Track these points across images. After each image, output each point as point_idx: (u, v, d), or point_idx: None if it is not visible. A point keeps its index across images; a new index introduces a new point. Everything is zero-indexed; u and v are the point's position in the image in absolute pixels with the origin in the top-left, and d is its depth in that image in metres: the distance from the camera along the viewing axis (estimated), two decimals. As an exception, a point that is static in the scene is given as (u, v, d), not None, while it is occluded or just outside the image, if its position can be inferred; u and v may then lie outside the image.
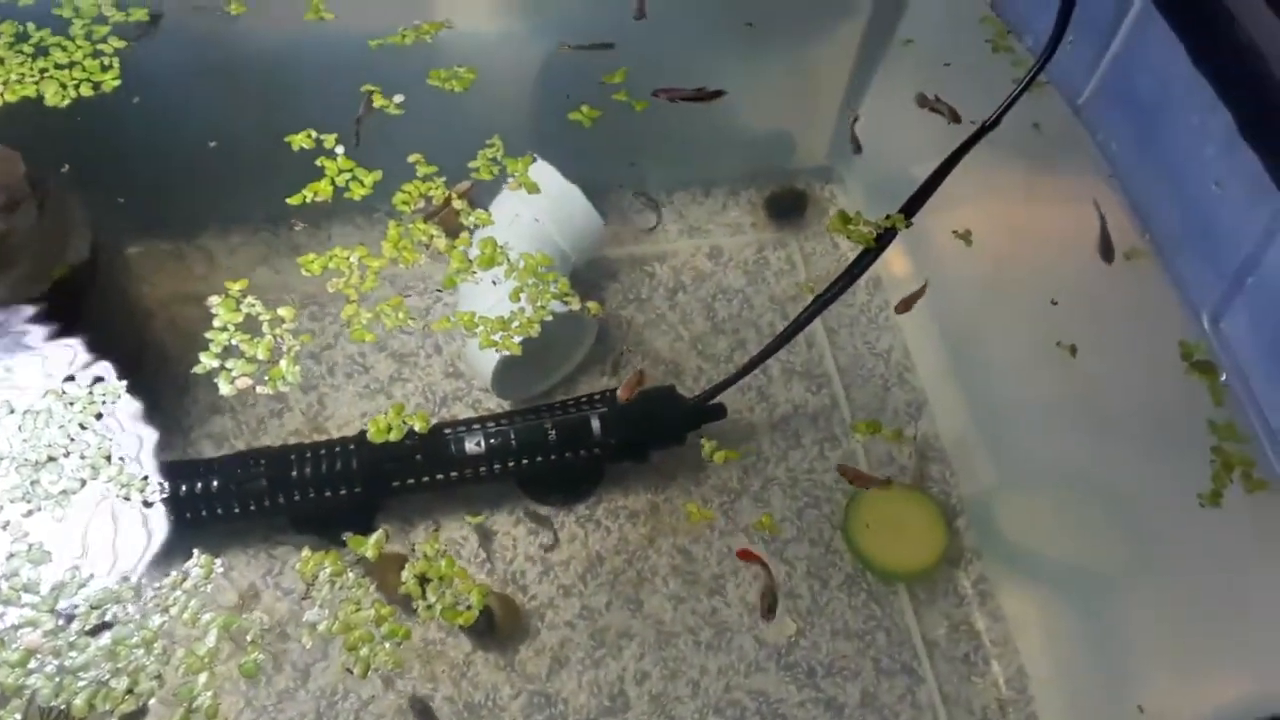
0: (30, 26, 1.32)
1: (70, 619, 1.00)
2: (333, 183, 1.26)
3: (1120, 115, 1.17)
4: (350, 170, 1.27)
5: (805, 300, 1.29)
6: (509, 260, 1.26)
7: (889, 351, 1.48)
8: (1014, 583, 1.30)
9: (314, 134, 1.30)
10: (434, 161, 1.29)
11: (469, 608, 1.11)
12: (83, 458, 1.08)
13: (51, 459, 1.07)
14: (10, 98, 1.26)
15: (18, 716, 0.95)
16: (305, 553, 1.11)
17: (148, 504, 1.09)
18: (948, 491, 1.36)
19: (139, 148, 1.37)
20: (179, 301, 1.34)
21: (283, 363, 1.17)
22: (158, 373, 1.26)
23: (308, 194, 1.26)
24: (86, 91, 1.29)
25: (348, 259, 1.23)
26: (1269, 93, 0.94)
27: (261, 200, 1.43)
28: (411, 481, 1.19)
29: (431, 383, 1.37)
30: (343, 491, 1.17)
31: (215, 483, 1.14)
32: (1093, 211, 1.18)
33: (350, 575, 1.11)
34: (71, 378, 1.12)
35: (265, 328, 1.19)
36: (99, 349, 1.16)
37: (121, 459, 1.09)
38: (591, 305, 1.26)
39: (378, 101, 1.33)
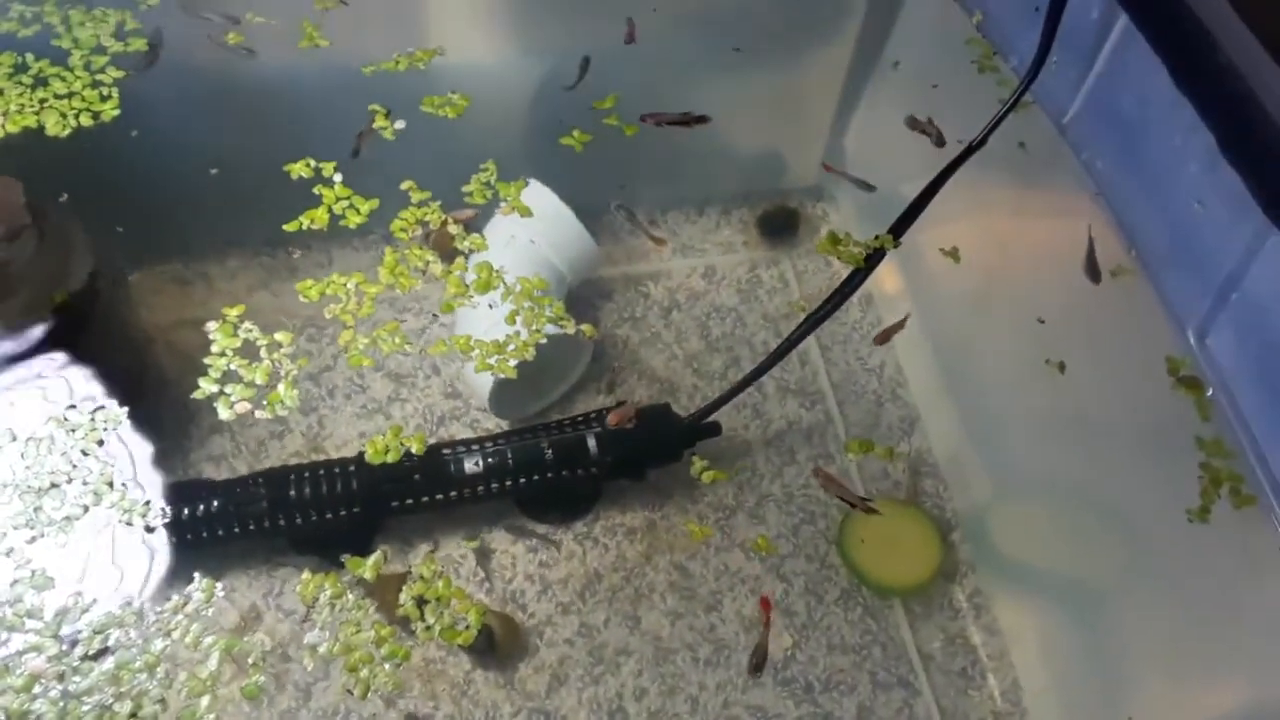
0: (29, 57, 1.34)
1: (74, 644, 1.01)
2: (329, 210, 1.28)
3: (1104, 134, 1.18)
4: (348, 198, 1.29)
5: (798, 318, 1.31)
6: (505, 284, 1.27)
7: (881, 368, 1.49)
8: (1009, 596, 1.31)
9: (312, 162, 1.31)
10: (428, 186, 1.31)
11: (467, 627, 1.12)
12: (85, 484, 1.09)
13: (54, 485, 1.09)
14: (11, 128, 1.28)
15: (22, 742, 0.96)
16: (306, 575, 1.12)
17: (150, 528, 1.10)
18: (942, 506, 1.37)
19: (138, 176, 1.39)
20: (179, 326, 1.35)
21: (280, 387, 1.18)
22: (158, 398, 1.27)
23: (304, 220, 1.27)
24: (86, 121, 1.30)
25: (345, 285, 1.25)
26: (1249, 113, 0.95)
27: (259, 225, 1.44)
28: (411, 501, 1.21)
29: (430, 403, 1.38)
30: (342, 512, 1.18)
31: (216, 505, 1.15)
32: (1079, 226, 1.19)
33: (350, 597, 1.12)
34: (73, 405, 1.14)
35: (263, 352, 1.20)
36: (100, 375, 1.17)
37: (124, 485, 1.11)
38: (586, 327, 1.28)
39: (377, 123, 1.35)
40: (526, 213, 1.32)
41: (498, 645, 1.18)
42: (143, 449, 1.15)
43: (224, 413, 1.15)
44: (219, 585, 1.10)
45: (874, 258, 1.26)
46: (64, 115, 1.30)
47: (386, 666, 1.08)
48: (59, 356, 1.17)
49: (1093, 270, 1.16)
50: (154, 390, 1.29)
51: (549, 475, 1.23)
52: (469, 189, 1.33)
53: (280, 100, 1.45)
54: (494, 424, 1.36)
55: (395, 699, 1.15)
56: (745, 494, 1.35)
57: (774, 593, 1.27)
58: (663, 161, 1.57)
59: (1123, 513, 1.14)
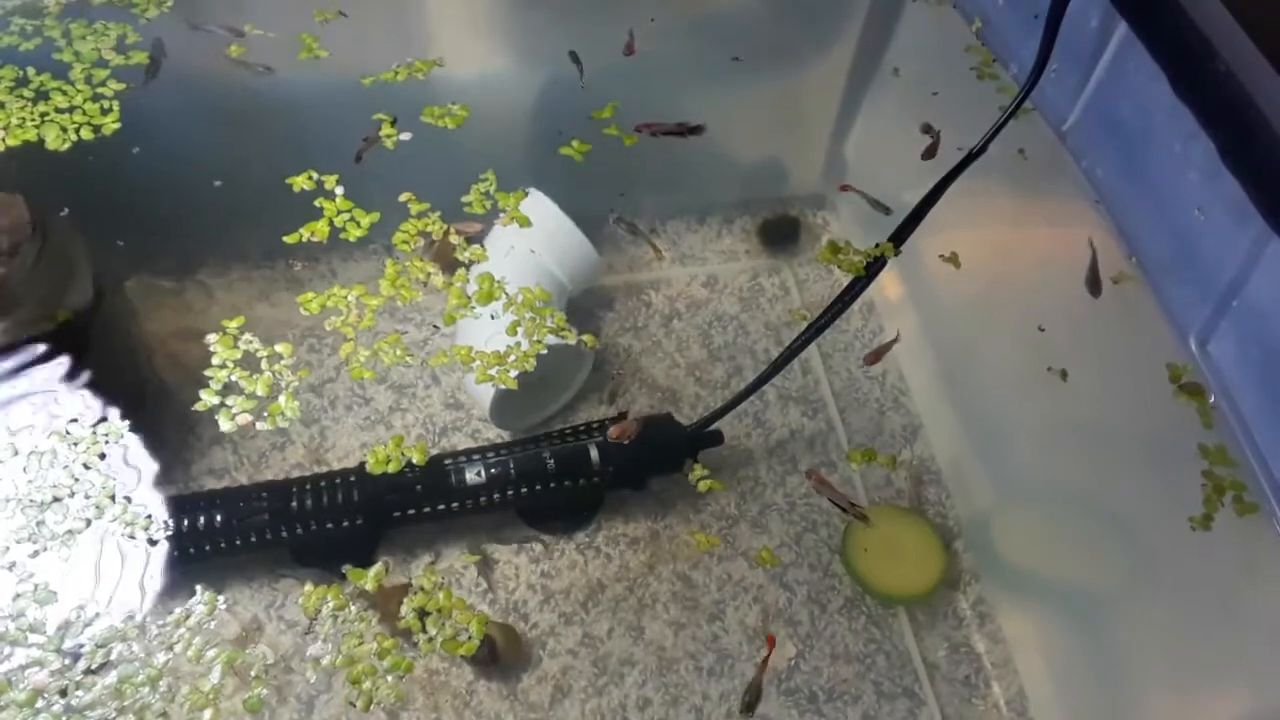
0: (30, 71, 1.34)
1: (76, 658, 1.01)
2: (330, 223, 1.28)
3: (1104, 141, 1.18)
4: (349, 210, 1.29)
5: (800, 326, 1.31)
6: (507, 295, 1.27)
7: (883, 376, 1.49)
8: (1013, 604, 1.30)
9: (314, 174, 1.31)
10: (428, 197, 1.31)
11: (469, 638, 1.12)
12: (87, 497, 1.09)
13: (56, 499, 1.09)
14: (11, 142, 1.28)
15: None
16: (308, 587, 1.12)
17: (152, 542, 1.10)
18: (944, 514, 1.37)
19: (139, 189, 1.39)
20: (180, 339, 1.35)
21: (281, 399, 1.18)
22: (160, 410, 1.27)
23: (304, 233, 1.27)
24: (87, 135, 1.30)
25: (346, 297, 1.25)
26: (1249, 120, 0.95)
27: (260, 237, 1.45)
28: (412, 512, 1.21)
29: (431, 413, 1.38)
30: (344, 523, 1.18)
31: (217, 517, 1.15)
32: (1079, 234, 1.19)
33: (352, 609, 1.12)
34: (75, 419, 1.14)
35: (264, 364, 1.20)
36: (101, 388, 1.18)
37: (126, 498, 1.11)
38: (587, 338, 1.28)
39: (383, 131, 1.35)
40: (526, 223, 1.33)
41: (500, 656, 1.17)
42: (144, 462, 1.15)
43: (225, 425, 1.15)
44: (221, 598, 1.10)
45: (875, 266, 1.26)
46: (65, 129, 1.30)
47: (389, 678, 1.08)
48: (60, 370, 1.17)
49: (1094, 284, 1.16)
50: (155, 403, 1.29)
51: (551, 485, 1.23)
52: (469, 199, 1.33)
53: (280, 112, 1.46)
54: (495, 434, 1.36)
55: (398, 711, 1.15)
56: (748, 503, 1.35)
57: (777, 601, 1.27)
58: (663, 171, 1.58)
59: (1125, 520, 1.14)
